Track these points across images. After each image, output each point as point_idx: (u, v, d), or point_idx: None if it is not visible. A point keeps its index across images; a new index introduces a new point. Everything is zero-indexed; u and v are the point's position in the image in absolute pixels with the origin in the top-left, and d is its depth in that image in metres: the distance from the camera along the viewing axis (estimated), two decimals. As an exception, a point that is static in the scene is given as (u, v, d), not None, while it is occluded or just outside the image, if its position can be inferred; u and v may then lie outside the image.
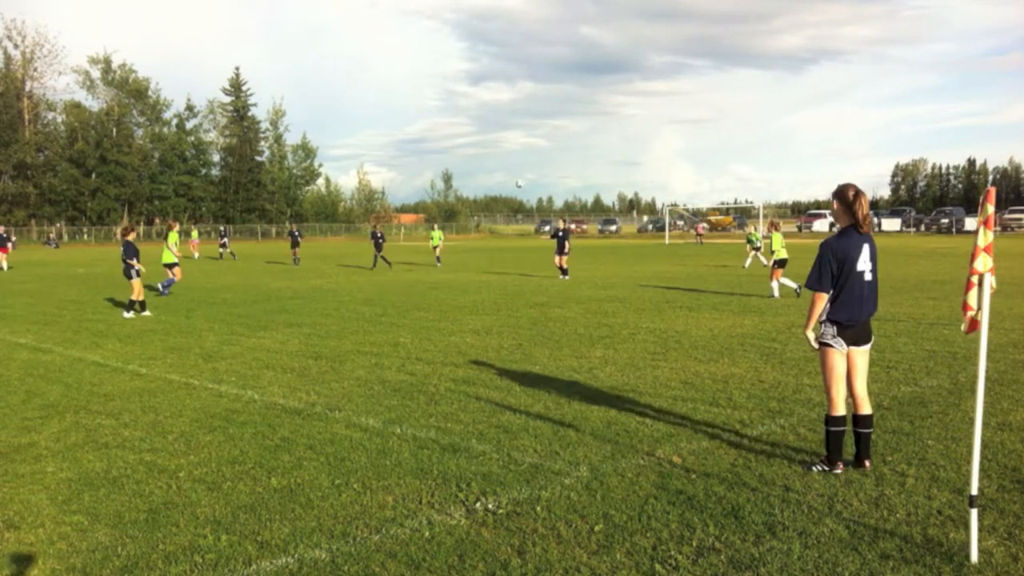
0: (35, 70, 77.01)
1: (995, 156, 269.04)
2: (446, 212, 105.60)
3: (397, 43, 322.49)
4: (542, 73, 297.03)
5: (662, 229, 75.24)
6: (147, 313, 15.03)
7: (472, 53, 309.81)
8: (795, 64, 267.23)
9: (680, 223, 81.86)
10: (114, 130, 79.61)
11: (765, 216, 67.13)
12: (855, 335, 5.21)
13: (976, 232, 4.04)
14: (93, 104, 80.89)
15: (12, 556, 4.27)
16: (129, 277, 14.83)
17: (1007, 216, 60.55)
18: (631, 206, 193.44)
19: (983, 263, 4.01)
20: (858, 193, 5.18)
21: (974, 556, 3.98)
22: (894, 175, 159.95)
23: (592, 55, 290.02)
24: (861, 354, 5.27)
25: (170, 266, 18.95)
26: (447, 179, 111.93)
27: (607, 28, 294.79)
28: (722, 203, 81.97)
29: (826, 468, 5.32)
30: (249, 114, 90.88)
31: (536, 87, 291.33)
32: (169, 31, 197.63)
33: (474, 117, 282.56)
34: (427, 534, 4.42)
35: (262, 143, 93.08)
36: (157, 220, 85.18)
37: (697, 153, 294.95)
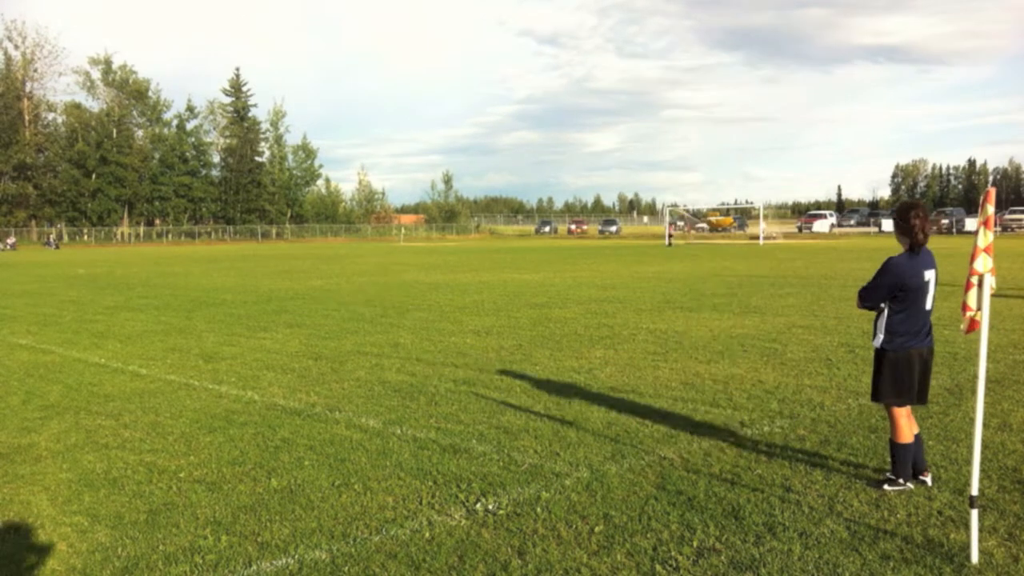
0: (35, 71, 77.05)
1: (994, 156, 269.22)
2: (446, 213, 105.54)
3: (410, 44, 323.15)
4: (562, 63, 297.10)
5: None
6: None
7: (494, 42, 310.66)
8: (825, 63, 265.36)
9: (680, 223, 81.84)
10: (114, 131, 79.60)
11: (765, 216, 67.06)
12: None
13: (976, 233, 4.05)
14: (93, 105, 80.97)
15: (12, 557, 4.27)
16: None
17: (1007, 217, 60.58)
18: (631, 207, 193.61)
19: (983, 263, 4.01)
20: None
21: (975, 557, 3.98)
22: (894, 175, 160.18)
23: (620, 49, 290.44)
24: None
25: None
26: (447, 180, 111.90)
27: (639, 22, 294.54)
28: (722, 203, 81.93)
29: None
30: (249, 115, 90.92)
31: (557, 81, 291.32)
32: (175, 31, 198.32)
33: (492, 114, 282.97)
34: (427, 535, 4.42)
35: (262, 144, 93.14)
36: (158, 221, 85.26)
37: (710, 152, 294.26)
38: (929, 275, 4.93)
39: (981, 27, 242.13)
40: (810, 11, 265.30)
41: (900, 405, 4.99)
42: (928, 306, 4.96)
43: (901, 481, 5.02)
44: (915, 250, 4.91)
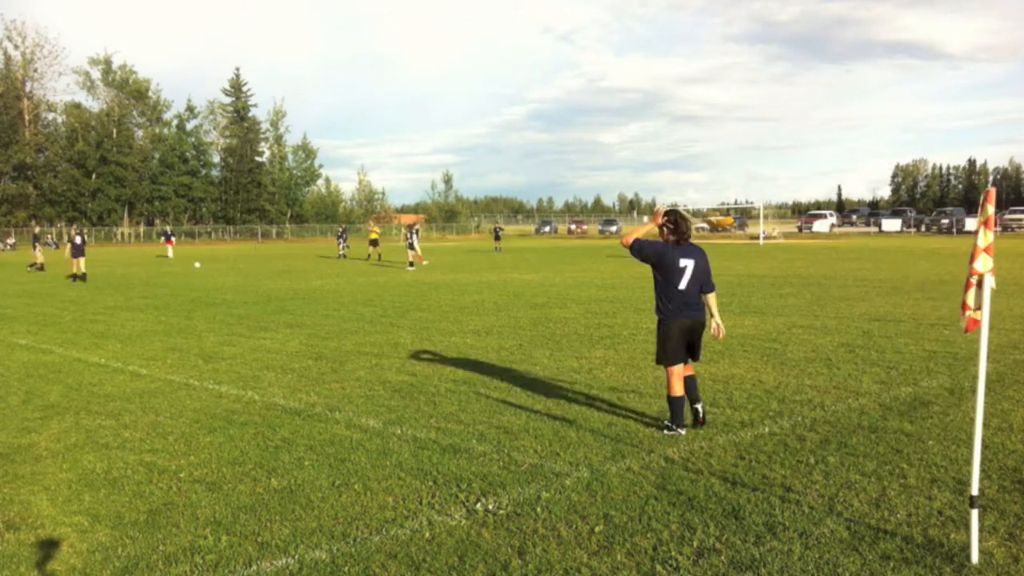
0: (35, 71, 77.03)
1: (995, 156, 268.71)
2: (446, 212, 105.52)
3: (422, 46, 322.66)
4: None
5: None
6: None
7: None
8: (844, 59, 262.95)
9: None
10: (114, 131, 79.60)
11: (766, 216, 66.96)
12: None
13: (976, 232, 4.05)
14: (93, 105, 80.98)
15: (12, 557, 4.27)
16: None
17: (1007, 216, 60.50)
18: (631, 206, 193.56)
19: (983, 263, 4.01)
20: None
21: (975, 557, 3.97)
22: (894, 175, 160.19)
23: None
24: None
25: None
26: (447, 180, 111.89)
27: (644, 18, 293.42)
28: (723, 203, 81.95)
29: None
30: (249, 115, 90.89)
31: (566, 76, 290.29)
32: (175, 31, 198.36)
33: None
34: (427, 535, 4.42)
35: (262, 144, 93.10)
36: (158, 221, 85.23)
37: (717, 151, 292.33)
38: (686, 263, 6.28)
39: (995, 24, 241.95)
40: (832, 6, 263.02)
41: (670, 364, 6.25)
42: (682, 286, 6.25)
43: (677, 428, 6.19)
44: (678, 243, 6.32)
